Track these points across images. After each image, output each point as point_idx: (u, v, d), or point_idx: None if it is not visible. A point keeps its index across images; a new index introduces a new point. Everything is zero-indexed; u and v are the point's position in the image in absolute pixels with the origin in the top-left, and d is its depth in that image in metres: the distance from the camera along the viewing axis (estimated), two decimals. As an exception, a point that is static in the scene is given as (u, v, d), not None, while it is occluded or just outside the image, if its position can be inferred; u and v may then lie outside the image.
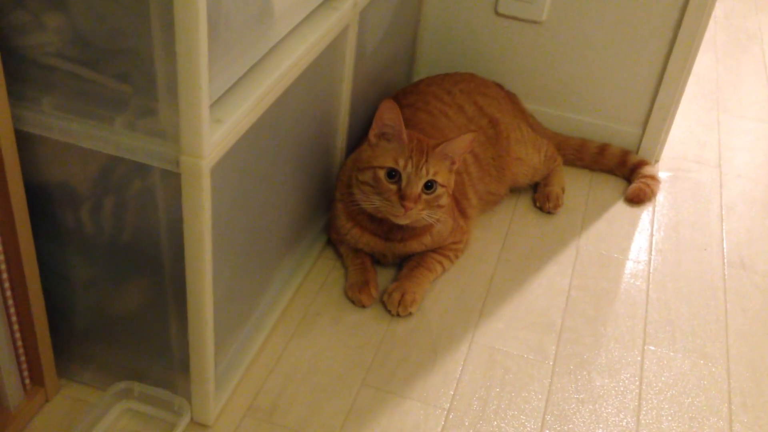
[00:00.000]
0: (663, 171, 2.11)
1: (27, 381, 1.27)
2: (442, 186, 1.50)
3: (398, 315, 1.56)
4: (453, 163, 1.53)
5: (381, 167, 1.49)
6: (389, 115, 1.49)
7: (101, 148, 1.06)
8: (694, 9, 1.86)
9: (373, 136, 1.52)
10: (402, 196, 1.47)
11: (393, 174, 1.48)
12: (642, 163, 2.03)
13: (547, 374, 1.49)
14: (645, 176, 1.99)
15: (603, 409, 1.43)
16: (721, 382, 1.51)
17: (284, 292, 1.57)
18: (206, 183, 1.05)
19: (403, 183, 1.47)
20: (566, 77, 2.06)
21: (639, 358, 1.54)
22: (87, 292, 1.26)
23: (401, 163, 1.47)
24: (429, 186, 1.49)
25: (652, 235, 1.88)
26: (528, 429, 1.38)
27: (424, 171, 1.47)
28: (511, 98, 2.02)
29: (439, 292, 1.64)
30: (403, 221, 1.51)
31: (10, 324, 1.19)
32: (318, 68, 1.41)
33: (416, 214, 1.49)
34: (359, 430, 1.34)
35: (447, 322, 1.58)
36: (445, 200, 1.52)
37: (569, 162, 2.05)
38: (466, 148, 1.53)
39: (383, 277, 1.65)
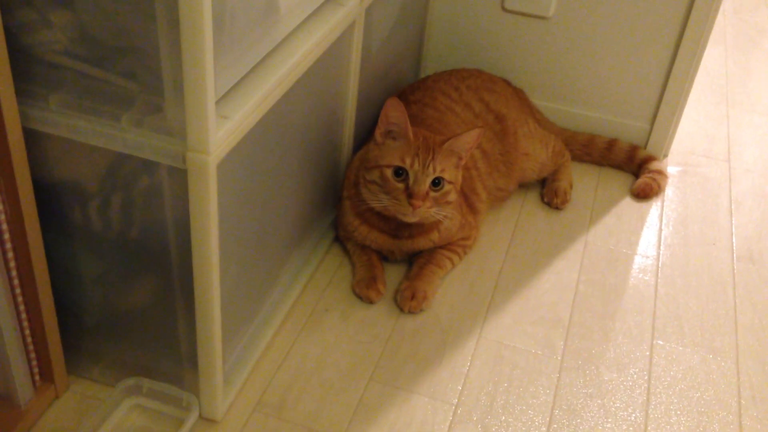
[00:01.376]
0: (672, 166, 2.10)
1: (37, 378, 1.28)
2: (450, 182, 1.50)
3: (410, 312, 1.57)
4: (460, 158, 1.53)
5: (388, 166, 1.49)
6: (394, 113, 1.49)
7: (108, 145, 1.07)
8: (701, 3, 1.86)
9: (379, 135, 1.52)
10: (410, 195, 1.47)
11: (400, 172, 1.48)
12: (650, 159, 2.02)
13: (555, 369, 1.49)
14: (652, 171, 1.99)
15: (611, 403, 1.43)
16: (730, 376, 1.51)
17: (292, 289, 1.57)
18: (212, 179, 1.06)
19: (411, 181, 1.48)
20: (574, 73, 2.06)
21: (647, 353, 1.54)
22: (95, 289, 1.27)
23: (408, 161, 1.47)
24: (436, 183, 1.49)
25: (660, 230, 1.88)
26: (536, 424, 1.38)
27: (431, 168, 1.47)
28: (519, 94, 2.01)
29: (447, 288, 1.65)
30: (411, 219, 1.51)
31: (19, 321, 1.20)
32: (324, 65, 1.41)
33: (424, 211, 1.49)
34: (367, 425, 1.35)
35: (455, 317, 1.58)
36: (452, 196, 1.52)
37: (577, 157, 2.05)
38: (473, 143, 1.53)
39: (391, 273, 1.66)
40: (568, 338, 1.55)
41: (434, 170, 1.47)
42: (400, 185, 1.48)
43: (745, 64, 2.70)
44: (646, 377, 1.49)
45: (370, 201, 1.53)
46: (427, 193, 1.48)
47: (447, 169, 1.50)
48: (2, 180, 1.08)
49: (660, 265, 1.77)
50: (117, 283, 1.25)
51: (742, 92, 2.51)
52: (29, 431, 1.27)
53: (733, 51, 2.78)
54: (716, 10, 1.88)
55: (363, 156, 1.60)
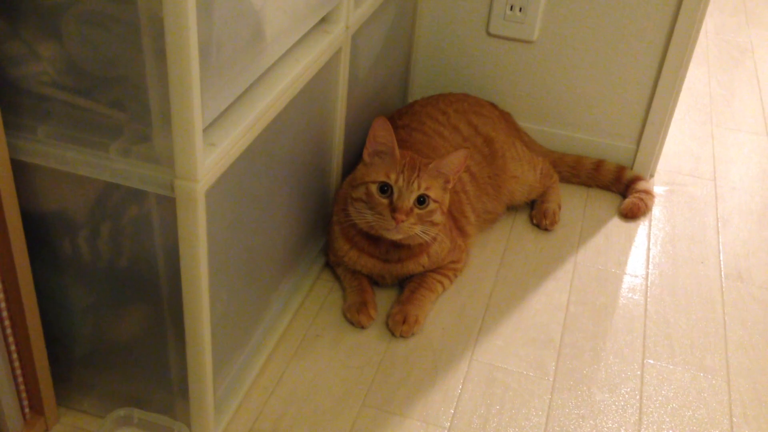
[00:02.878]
0: (658, 185, 2.11)
1: (27, 410, 1.27)
2: (435, 201, 1.51)
3: (402, 336, 1.57)
4: (447, 181, 1.54)
5: (373, 182, 1.50)
6: (381, 132, 1.50)
7: (97, 175, 1.07)
8: (683, 24, 1.88)
9: (367, 155, 1.54)
10: (393, 209, 1.47)
11: (385, 189, 1.49)
12: (637, 179, 2.03)
13: (547, 390, 1.48)
14: (639, 191, 2.00)
15: (604, 424, 1.43)
16: (722, 394, 1.51)
17: (283, 315, 1.57)
18: (201, 207, 1.06)
19: (395, 196, 1.48)
20: (559, 95, 2.07)
21: (639, 372, 1.54)
22: (85, 319, 1.26)
23: (393, 177, 1.48)
24: (422, 201, 1.50)
25: (648, 249, 1.89)
26: (529, 446, 1.38)
27: (415, 185, 1.48)
28: (506, 117, 2.03)
29: (438, 311, 1.65)
30: (395, 236, 1.51)
31: (9, 353, 1.20)
32: (311, 91, 1.42)
33: (408, 227, 1.49)
34: (360, 451, 1.34)
35: (447, 340, 1.58)
36: (438, 218, 1.53)
37: (565, 179, 2.06)
38: (459, 164, 1.53)
39: (382, 297, 1.66)
40: (560, 359, 1.55)
41: (419, 187, 1.48)
42: (385, 201, 1.49)
43: (728, 84, 2.73)
44: (637, 397, 1.49)
45: (356, 219, 1.54)
46: (412, 209, 1.49)
47: (432, 187, 1.50)
48: (-10, 211, 1.08)
49: (649, 285, 1.77)
50: (106, 313, 1.25)
51: (726, 111, 2.54)
52: (19, 464, 1.26)
53: (716, 71, 2.81)
54: (698, 31, 1.90)
55: (351, 177, 1.60)
